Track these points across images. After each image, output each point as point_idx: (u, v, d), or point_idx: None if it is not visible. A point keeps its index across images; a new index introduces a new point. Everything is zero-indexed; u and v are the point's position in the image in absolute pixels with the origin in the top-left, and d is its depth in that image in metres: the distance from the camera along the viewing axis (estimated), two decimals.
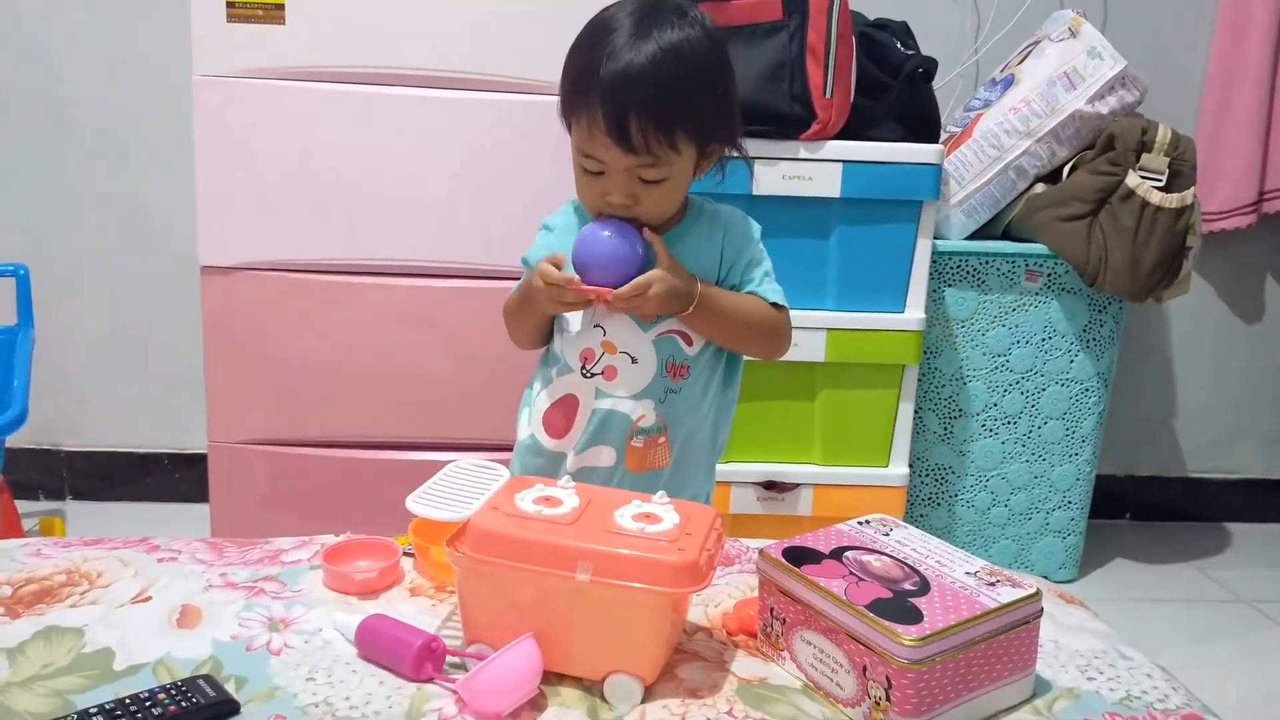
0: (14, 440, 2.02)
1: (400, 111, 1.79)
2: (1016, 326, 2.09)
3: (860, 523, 0.99)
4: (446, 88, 1.79)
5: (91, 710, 0.80)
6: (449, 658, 0.90)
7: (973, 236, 2.10)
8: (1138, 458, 2.62)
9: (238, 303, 1.84)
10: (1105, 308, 2.10)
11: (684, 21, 1.11)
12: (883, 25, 2.03)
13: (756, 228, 1.25)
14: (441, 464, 0.99)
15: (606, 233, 1.13)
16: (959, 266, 2.06)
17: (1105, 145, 2.00)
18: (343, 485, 1.90)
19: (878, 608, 0.83)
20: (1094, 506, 2.24)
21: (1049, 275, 2.07)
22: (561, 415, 1.22)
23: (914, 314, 1.93)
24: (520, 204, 1.78)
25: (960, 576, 0.89)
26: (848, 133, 1.86)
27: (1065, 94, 2.01)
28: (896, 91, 1.93)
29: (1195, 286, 2.38)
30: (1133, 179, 1.97)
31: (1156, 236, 1.98)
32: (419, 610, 0.99)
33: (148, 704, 0.81)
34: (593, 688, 0.87)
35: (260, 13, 1.74)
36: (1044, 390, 2.13)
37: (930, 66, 1.98)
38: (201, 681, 0.84)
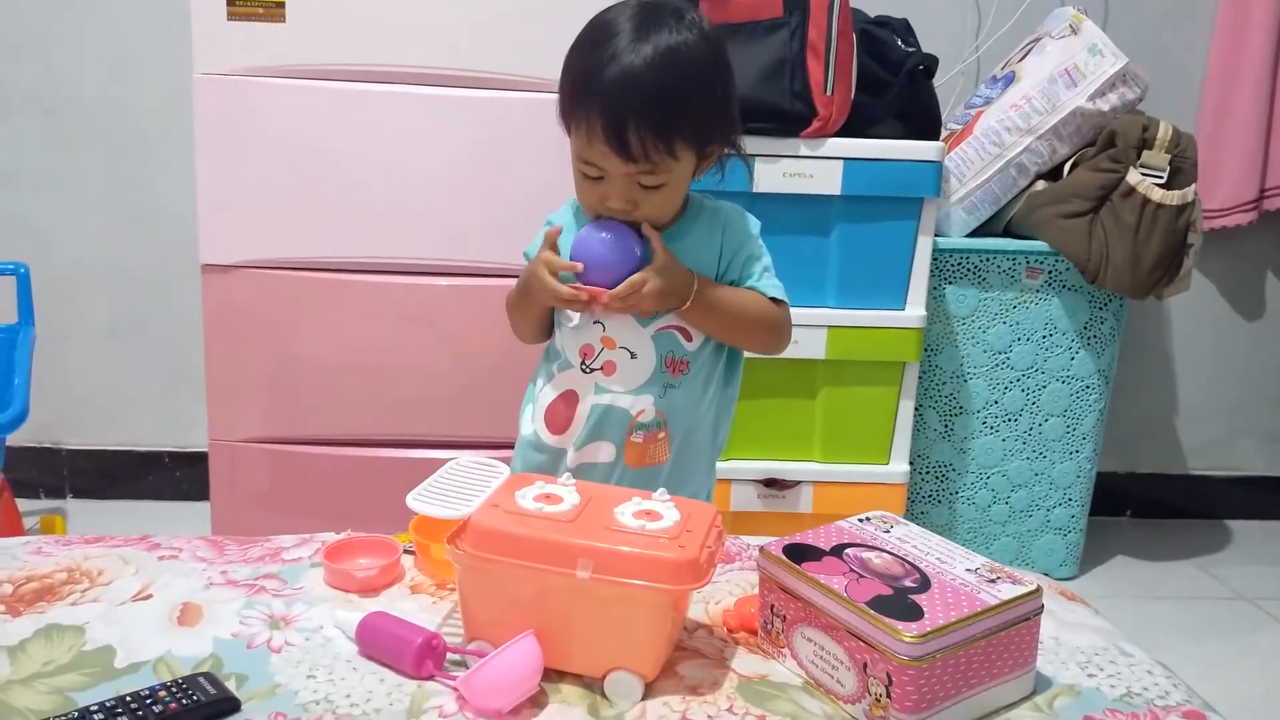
0: (15, 438, 2.02)
1: (401, 109, 1.79)
2: (1017, 324, 2.09)
3: (861, 520, 0.99)
4: (447, 85, 1.79)
5: (92, 708, 0.80)
6: (449, 655, 0.90)
7: (974, 234, 2.10)
8: (1138, 455, 2.62)
9: (239, 301, 1.84)
10: (1106, 305, 2.10)
11: (681, 26, 1.11)
12: (883, 22, 2.03)
13: (756, 223, 1.25)
14: (442, 462, 0.99)
15: (604, 234, 1.14)
16: (960, 264, 2.06)
17: (1106, 142, 2.00)
18: (343, 483, 1.90)
19: (878, 605, 0.83)
20: (1095, 503, 2.24)
21: (1050, 272, 2.07)
22: (562, 410, 1.23)
23: (915, 311, 1.93)
24: (521, 201, 1.78)
25: (961, 573, 0.89)
26: (848, 130, 1.86)
27: (1066, 91, 2.01)
28: (897, 89, 1.93)
29: (1196, 284, 2.38)
30: (1134, 176, 1.97)
31: (1157, 234, 1.98)
32: (420, 608, 0.99)
33: (148, 702, 0.81)
34: (593, 685, 0.87)
35: (261, 11, 1.74)
36: (1045, 387, 2.13)
37: (931, 64, 1.98)
38: (202, 679, 0.84)
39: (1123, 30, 2.25)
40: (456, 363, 1.87)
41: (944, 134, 2.12)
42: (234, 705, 0.83)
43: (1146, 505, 2.64)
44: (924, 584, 0.87)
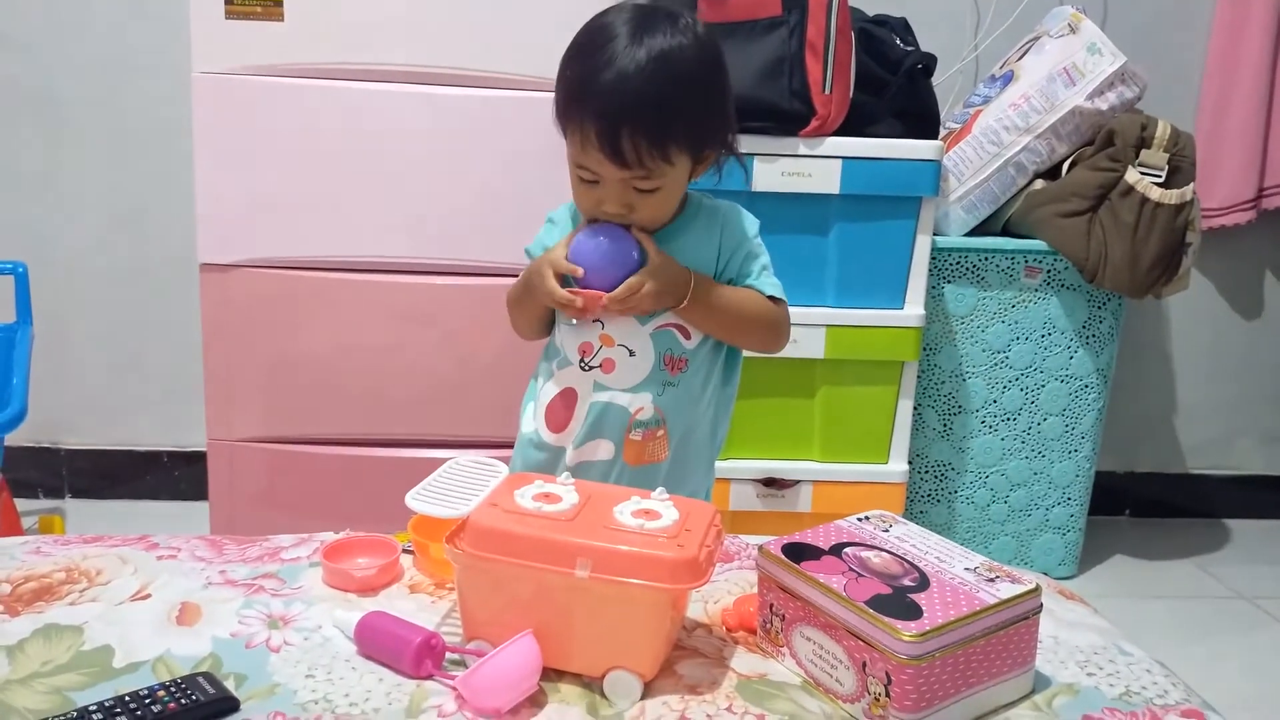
0: (13, 438, 2.02)
1: (399, 108, 1.78)
2: (1016, 323, 2.09)
3: (860, 519, 0.99)
4: (446, 85, 1.79)
5: (91, 708, 0.80)
6: (448, 654, 0.90)
7: (972, 233, 2.10)
8: (1137, 454, 2.63)
9: (237, 300, 1.84)
10: (1105, 304, 2.10)
11: (675, 30, 1.10)
12: (882, 21, 2.03)
13: (754, 222, 1.25)
14: (441, 461, 0.99)
15: (600, 238, 1.15)
16: (958, 263, 2.06)
17: (1105, 141, 2.00)
18: (342, 482, 1.90)
19: (877, 604, 0.83)
20: (1093, 503, 2.24)
21: (1048, 271, 2.07)
22: (562, 408, 1.23)
23: (913, 310, 1.93)
24: (520, 200, 1.78)
25: (960, 572, 0.89)
26: (847, 129, 1.86)
27: (1065, 90, 2.01)
28: (896, 88, 1.93)
29: (1195, 283, 2.38)
30: (1132, 175, 1.97)
31: (1156, 232, 1.98)
32: (418, 607, 0.99)
33: (147, 701, 0.81)
34: (592, 684, 0.87)
35: (259, 9, 1.73)
36: (1043, 386, 2.13)
37: (930, 62, 1.98)
38: (201, 679, 0.84)
39: (1121, 29, 2.25)
40: (455, 362, 1.87)
41: (943, 133, 2.12)
42: (233, 705, 0.83)
43: (1145, 504, 2.64)
44: (923, 583, 0.87)
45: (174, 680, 0.84)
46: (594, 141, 1.09)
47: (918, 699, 0.80)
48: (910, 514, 2.15)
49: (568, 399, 1.22)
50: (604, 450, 1.21)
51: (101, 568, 1.04)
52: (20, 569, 1.04)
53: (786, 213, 1.85)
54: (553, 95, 1.16)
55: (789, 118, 1.82)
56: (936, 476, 2.18)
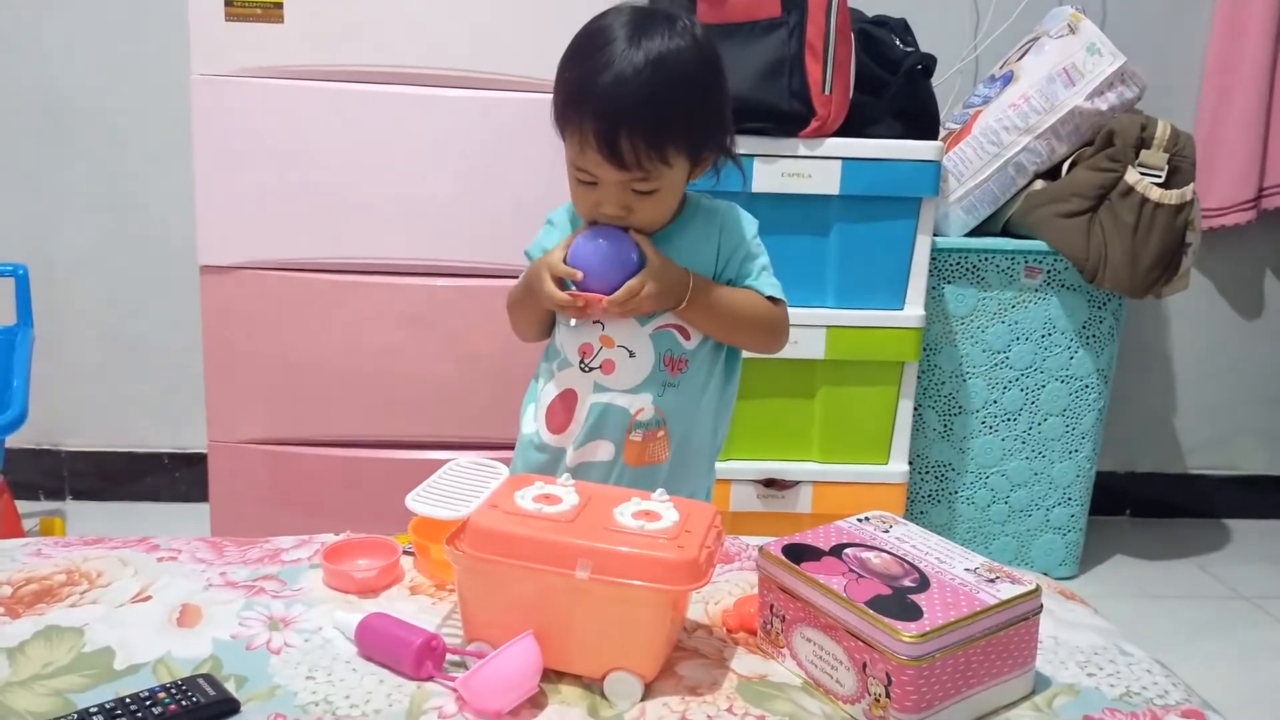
0: (14, 440, 2.02)
1: (399, 110, 1.79)
2: (1016, 323, 2.09)
3: (860, 520, 0.99)
4: (445, 86, 1.79)
5: (92, 710, 0.80)
6: (449, 656, 0.90)
7: (972, 233, 2.10)
8: (1137, 454, 2.62)
9: (237, 302, 1.84)
10: (1105, 304, 2.10)
11: (673, 33, 1.11)
12: (882, 22, 2.03)
13: (753, 223, 1.25)
14: (441, 462, 0.99)
15: (600, 241, 1.15)
16: (958, 263, 2.06)
17: (1105, 141, 2.00)
18: (342, 484, 1.90)
19: (877, 604, 0.83)
20: (1094, 503, 2.24)
21: (1048, 272, 2.07)
22: (562, 410, 1.23)
23: (913, 311, 1.93)
24: (519, 201, 1.78)
25: (960, 573, 0.89)
26: (847, 130, 1.86)
27: (1064, 90, 2.01)
28: (895, 88, 1.93)
29: (1195, 283, 2.38)
30: (1132, 175, 1.97)
31: (1156, 233, 1.98)
32: (419, 609, 0.99)
33: (148, 703, 0.81)
34: (593, 685, 0.87)
35: (259, 12, 1.74)
36: (1044, 387, 2.13)
37: (929, 63, 1.98)
38: (201, 681, 0.84)
39: (1121, 29, 2.25)
40: (456, 364, 1.87)
41: (942, 133, 2.12)
42: (233, 707, 0.83)
43: (1145, 504, 2.64)
44: (923, 584, 0.87)
45: (175, 682, 0.84)
46: (592, 143, 1.09)
47: (918, 700, 0.80)
48: (910, 515, 2.15)
49: (568, 400, 1.22)
50: (604, 451, 1.21)
51: (102, 569, 1.05)
52: (21, 571, 1.04)
53: (786, 213, 1.85)
54: (551, 97, 1.16)
55: (789, 118, 1.82)
56: (937, 477, 2.18)
